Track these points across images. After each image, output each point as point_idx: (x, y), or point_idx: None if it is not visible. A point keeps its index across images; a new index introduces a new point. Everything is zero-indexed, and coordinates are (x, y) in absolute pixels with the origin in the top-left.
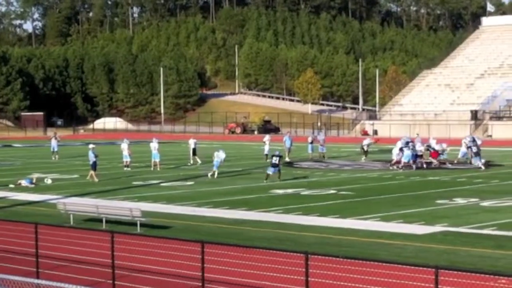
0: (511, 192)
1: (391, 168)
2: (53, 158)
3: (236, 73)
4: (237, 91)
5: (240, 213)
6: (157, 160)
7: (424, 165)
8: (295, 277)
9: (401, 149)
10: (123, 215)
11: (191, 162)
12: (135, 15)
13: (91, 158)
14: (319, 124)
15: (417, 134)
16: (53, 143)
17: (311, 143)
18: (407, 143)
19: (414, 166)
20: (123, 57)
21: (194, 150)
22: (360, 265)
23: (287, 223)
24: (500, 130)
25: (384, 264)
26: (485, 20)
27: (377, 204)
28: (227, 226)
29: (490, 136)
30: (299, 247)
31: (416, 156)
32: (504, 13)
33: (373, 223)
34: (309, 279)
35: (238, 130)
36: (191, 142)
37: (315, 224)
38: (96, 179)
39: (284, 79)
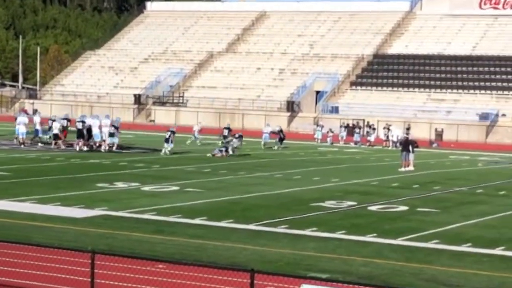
0: (171, 177)
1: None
2: None
3: None
4: None
5: None
6: None
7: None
8: None
9: None
10: None
11: None
12: None
13: None
14: None
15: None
16: None
17: None
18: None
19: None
20: None
21: None
22: (14, 248)
23: None
24: (163, 115)
25: (41, 248)
26: (149, 5)
27: (34, 186)
28: None
29: (153, 121)
30: None
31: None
32: None
33: (29, 205)
34: None
35: None
36: None
37: None
38: None
39: None
